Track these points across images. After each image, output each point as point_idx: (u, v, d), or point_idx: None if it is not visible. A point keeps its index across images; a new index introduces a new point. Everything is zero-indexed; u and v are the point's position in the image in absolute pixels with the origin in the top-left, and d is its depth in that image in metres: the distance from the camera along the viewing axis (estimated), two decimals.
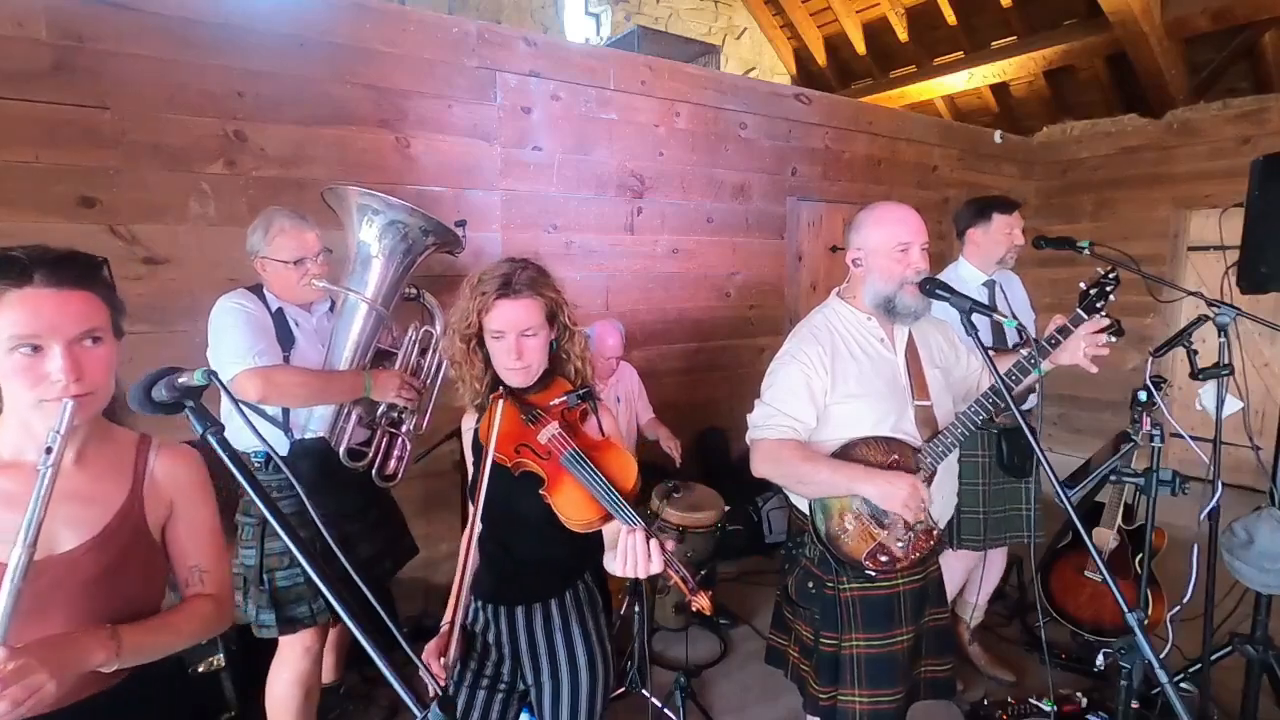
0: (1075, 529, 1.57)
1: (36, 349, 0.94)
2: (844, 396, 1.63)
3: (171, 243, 2.49)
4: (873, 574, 1.62)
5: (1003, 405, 1.51)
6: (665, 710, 2.46)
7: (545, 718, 1.44)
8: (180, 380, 0.89)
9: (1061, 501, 1.17)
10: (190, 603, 1.13)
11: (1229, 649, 2.30)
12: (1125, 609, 1.00)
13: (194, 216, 2.53)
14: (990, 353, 1.53)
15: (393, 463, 2.22)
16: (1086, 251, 2.15)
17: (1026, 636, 3.00)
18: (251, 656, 2.27)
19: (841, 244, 4.41)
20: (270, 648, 2.05)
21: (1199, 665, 2.23)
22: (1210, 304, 2.04)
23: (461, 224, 2.88)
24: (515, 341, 1.37)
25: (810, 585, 1.70)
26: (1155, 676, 0.96)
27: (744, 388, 3.69)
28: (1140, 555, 2.41)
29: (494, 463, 1.34)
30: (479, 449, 1.42)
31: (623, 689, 2.56)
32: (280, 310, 2.00)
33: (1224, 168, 4.80)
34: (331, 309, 2.14)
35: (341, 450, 2.05)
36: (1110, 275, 1.64)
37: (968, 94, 6.37)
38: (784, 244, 4.40)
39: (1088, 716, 2.37)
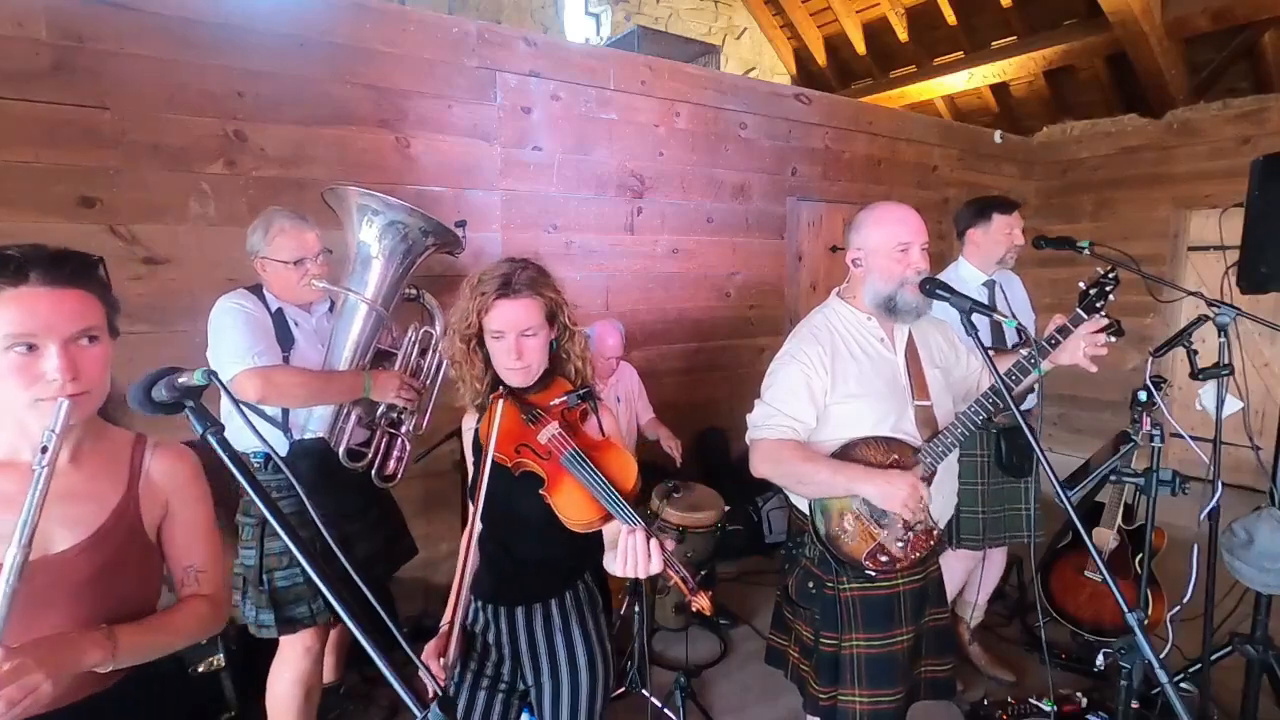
0: (1075, 529, 1.57)
1: (32, 348, 0.93)
2: (844, 396, 1.63)
3: (171, 243, 2.49)
4: (873, 574, 1.62)
5: (1002, 405, 1.51)
6: (665, 710, 2.46)
7: (545, 717, 1.44)
8: (180, 380, 0.89)
9: (1061, 502, 1.17)
10: (186, 603, 1.13)
11: (1229, 649, 2.30)
12: (1125, 609, 1.00)
13: (194, 216, 2.53)
14: (990, 353, 1.53)
15: (392, 463, 2.22)
16: (1086, 251, 2.15)
17: (1026, 636, 3.00)
18: (251, 656, 2.27)
19: (841, 244, 4.41)
20: (270, 648, 2.05)
21: (1199, 665, 2.23)
22: (1210, 304, 2.03)
23: (461, 224, 2.88)
24: (515, 341, 1.37)
25: (810, 585, 1.70)
26: (1155, 676, 0.96)
27: (744, 388, 3.69)
28: (1140, 555, 2.41)
29: (494, 462, 1.34)
30: (479, 449, 1.42)
31: (623, 689, 2.56)
32: (280, 310, 2.00)
33: (1224, 168, 4.80)
34: (331, 309, 2.14)
35: (341, 450, 2.05)
36: (1110, 275, 1.64)
37: (968, 94, 6.37)
38: (784, 244, 4.40)
39: (1088, 716, 2.37)
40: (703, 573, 2.92)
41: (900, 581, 1.67)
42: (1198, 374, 2.04)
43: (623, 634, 2.44)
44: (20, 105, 2.21)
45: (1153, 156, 5.21)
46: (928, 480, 1.61)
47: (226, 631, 2.28)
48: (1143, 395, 1.94)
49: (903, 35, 6.26)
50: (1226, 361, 2.02)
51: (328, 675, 2.36)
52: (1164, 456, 1.88)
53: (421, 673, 0.85)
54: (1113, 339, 1.64)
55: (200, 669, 2.27)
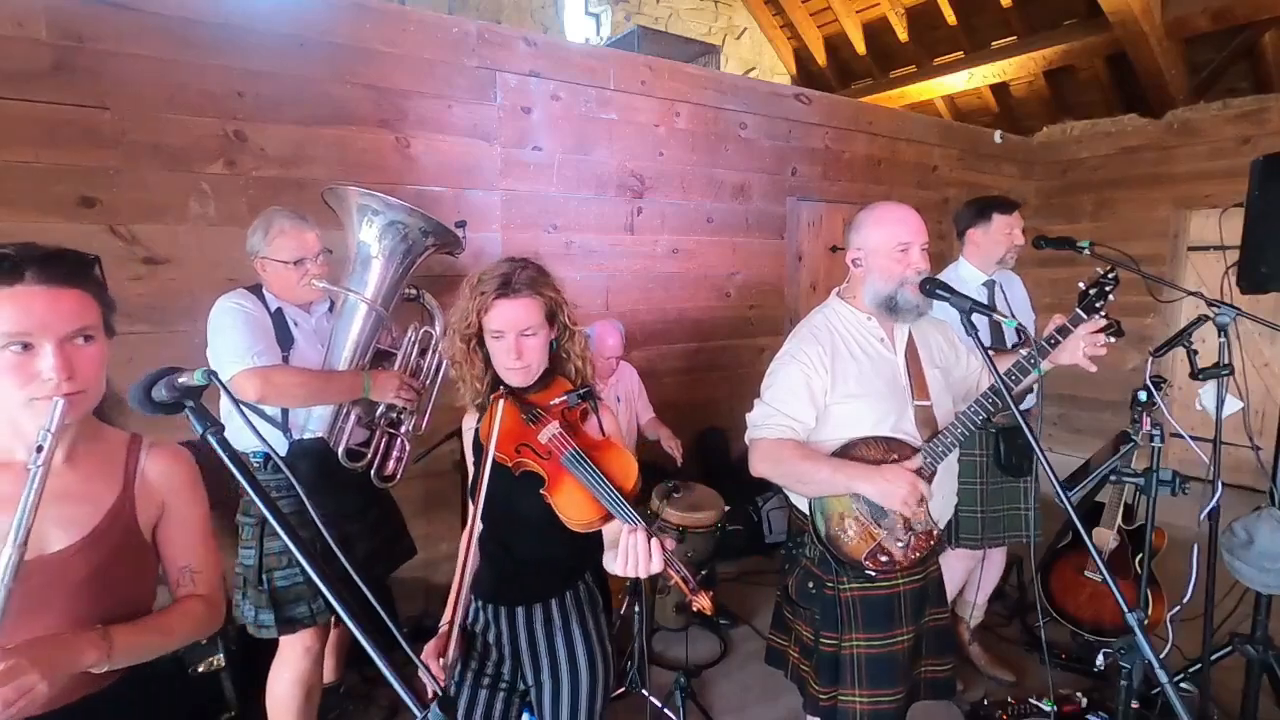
0: (1075, 529, 1.57)
1: (27, 347, 0.93)
2: (844, 396, 1.63)
3: (171, 243, 2.49)
4: (873, 574, 1.62)
5: (1002, 405, 1.51)
6: (665, 710, 2.46)
7: (545, 717, 1.44)
8: (180, 380, 0.89)
9: (1061, 501, 1.17)
10: (182, 603, 1.12)
11: (1229, 649, 2.30)
12: (1125, 609, 1.00)
13: (194, 216, 2.53)
14: (990, 353, 1.53)
15: (391, 463, 2.22)
16: (1086, 251, 2.15)
17: (1026, 636, 3.00)
18: (251, 656, 2.27)
19: (841, 244, 4.40)
20: (270, 648, 2.04)
21: (1199, 665, 2.23)
22: (1210, 304, 2.03)
23: (461, 224, 2.88)
24: (515, 341, 1.37)
25: (810, 585, 1.70)
26: (1155, 676, 0.96)
27: (744, 388, 3.68)
28: (1140, 555, 2.41)
29: (494, 462, 1.34)
30: (479, 449, 1.42)
31: (623, 689, 2.56)
32: (279, 310, 2.00)
33: (1224, 168, 4.80)
34: (331, 309, 2.14)
35: (340, 450, 2.05)
36: (1110, 275, 1.64)
37: (968, 94, 6.37)
38: (784, 244, 4.40)
39: (1088, 716, 2.37)
40: (703, 572, 2.91)
41: (900, 581, 1.66)
42: (1198, 374, 2.04)
43: (623, 634, 2.44)
44: (20, 105, 2.21)
45: (1153, 156, 5.22)
46: (927, 480, 1.61)
47: (226, 631, 2.28)
48: (1143, 395, 1.94)
49: (903, 35, 6.27)
50: (1226, 361, 2.02)
51: (328, 675, 2.36)
52: (1164, 456, 1.88)
53: (421, 673, 0.85)
54: (1112, 339, 1.63)
55: (200, 669, 2.26)
